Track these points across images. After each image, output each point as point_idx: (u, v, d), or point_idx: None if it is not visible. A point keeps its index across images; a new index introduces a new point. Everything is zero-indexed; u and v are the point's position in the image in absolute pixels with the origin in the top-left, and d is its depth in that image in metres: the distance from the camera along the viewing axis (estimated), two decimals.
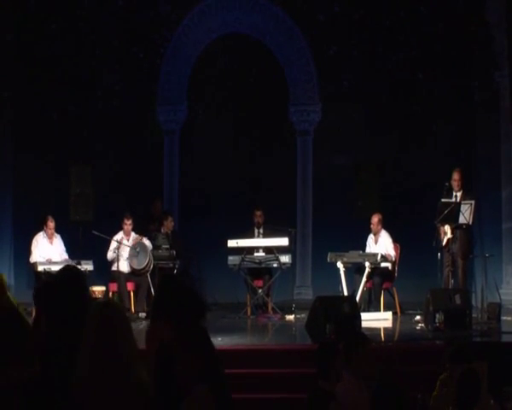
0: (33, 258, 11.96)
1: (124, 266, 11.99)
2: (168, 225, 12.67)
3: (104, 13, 13.77)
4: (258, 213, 12.47)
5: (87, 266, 11.69)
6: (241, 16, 14.28)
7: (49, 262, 11.62)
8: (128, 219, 12.13)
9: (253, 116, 13.69)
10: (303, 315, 10.97)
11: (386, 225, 12.07)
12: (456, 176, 11.18)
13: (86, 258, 11.77)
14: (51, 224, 12.06)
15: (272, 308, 12.06)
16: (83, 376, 3.50)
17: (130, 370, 3.55)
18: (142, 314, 11.55)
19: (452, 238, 10.97)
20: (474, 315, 10.26)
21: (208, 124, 13.86)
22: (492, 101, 13.19)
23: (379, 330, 10.43)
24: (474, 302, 11.02)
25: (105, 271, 12.17)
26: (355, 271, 11.76)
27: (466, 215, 10.84)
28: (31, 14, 13.63)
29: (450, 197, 11.12)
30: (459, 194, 11.17)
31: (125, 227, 12.15)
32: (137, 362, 3.61)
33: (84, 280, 4.26)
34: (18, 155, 13.79)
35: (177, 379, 3.89)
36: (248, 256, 12.13)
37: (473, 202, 10.92)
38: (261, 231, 12.51)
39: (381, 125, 13.53)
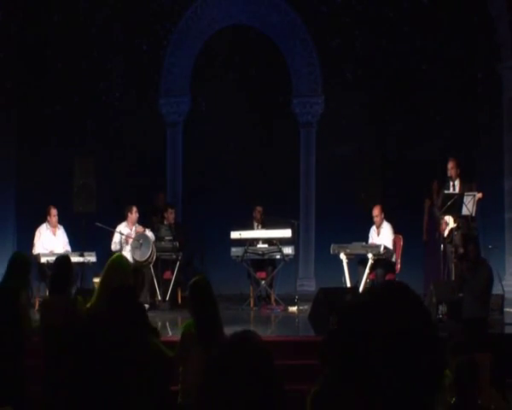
0: (36, 250, 11.97)
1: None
2: (169, 216, 12.64)
3: (107, 4, 13.76)
4: (259, 208, 12.44)
5: (90, 258, 11.70)
6: (244, 8, 14.26)
7: (52, 254, 11.60)
8: (136, 209, 12.08)
9: (255, 108, 13.68)
10: (306, 307, 10.95)
11: (390, 216, 12.04)
12: (449, 165, 11.14)
13: (89, 249, 11.78)
14: (54, 211, 12.04)
15: (275, 300, 12.07)
16: None
17: None
18: (146, 306, 11.54)
19: (456, 229, 10.94)
20: None
21: (211, 116, 13.85)
22: (495, 92, 13.19)
23: None
24: None
25: None
26: (358, 262, 11.75)
27: (469, 207, 10.79)
28: (34, 6, 13.63)
29: (448, 187, 11.08)
30: (457, 182, 11.09)
31: (133, 216, 12.05)
32: None
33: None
34: (21, 146, 13.81)
35: None
36: (251, 248, 12.14)
37: (475, 193, 10.88)
38: (259, 227, 12.48)
39: (383, 117, 13.53)
